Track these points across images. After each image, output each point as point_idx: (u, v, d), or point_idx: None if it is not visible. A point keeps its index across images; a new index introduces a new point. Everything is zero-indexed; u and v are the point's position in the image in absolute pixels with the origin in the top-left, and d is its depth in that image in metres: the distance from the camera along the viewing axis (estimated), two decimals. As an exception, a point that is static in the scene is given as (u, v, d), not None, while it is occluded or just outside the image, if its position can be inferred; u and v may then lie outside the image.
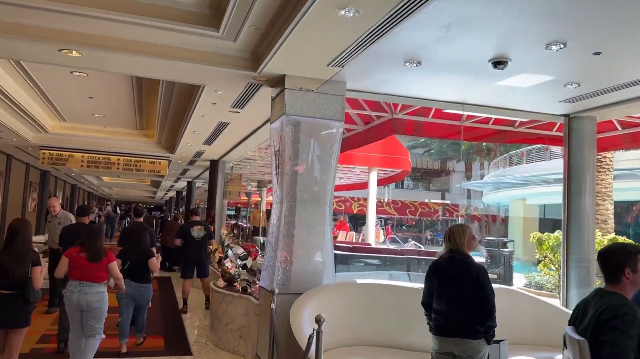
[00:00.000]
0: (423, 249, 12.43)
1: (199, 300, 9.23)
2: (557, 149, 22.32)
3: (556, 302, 6.68)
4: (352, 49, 4.34)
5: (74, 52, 4.99)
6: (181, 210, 25.75)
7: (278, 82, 5.48)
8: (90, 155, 13.62)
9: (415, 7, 3.41)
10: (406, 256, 7.38)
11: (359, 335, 4.79)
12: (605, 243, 8.09)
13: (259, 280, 6.01)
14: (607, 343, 2.58)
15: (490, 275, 3.99)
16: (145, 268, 6.17)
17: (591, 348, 2.67)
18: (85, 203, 32.75)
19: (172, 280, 12.31)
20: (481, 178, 34.51)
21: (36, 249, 4.60)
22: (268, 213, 13.04)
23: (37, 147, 12.93)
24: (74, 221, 7.39)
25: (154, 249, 6.78)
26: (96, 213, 25.34)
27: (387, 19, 3.65)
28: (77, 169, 15.50)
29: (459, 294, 3.77)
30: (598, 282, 6.79)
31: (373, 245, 10.45)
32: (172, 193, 34.27)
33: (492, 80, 5.14)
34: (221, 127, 9.09)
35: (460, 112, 6.48)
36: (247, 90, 6.18)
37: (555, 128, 7.61)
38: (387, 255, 7.75)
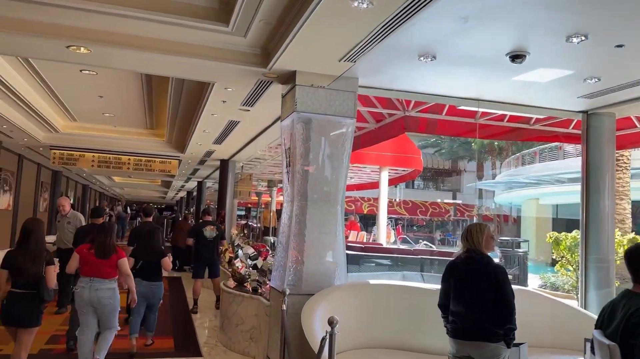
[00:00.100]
0: (435, 249, 12.25)
1: (210, 300, 9.16)
2: (571, 148, 22.05)
3: (573, 303, 6.52)
4: (364, 43, 4.22)
5: (82, 48, 4.91)
6: (192, 210, 25.78)
7: (289, 78, 5.38)
8: (100, 154, 13.62)
9: (431, -2, 3.29)
10: (419, 257, 7.23)
11: (372, 337, 4.66)
12: (625, 243, 7.89)
13: (269, 280, 5.91)
14: (639, 346, 2.45)
15: (504, 276, 3.83)
16: (157, 267, 6.18)
17: (621, 352, 2.53)
18: (97, 203, 32.91)
19: (182, 280, 12.27)
20: (493, 178, 34.20)
21: None
22: (279, 212, 12.94)
23: (47, 147, 12.95)
24: (83, 222, 7.35)
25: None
26: (107, 213, 25.41)
27: (402, 10, 3.53)
28: (87, 169, 15.52)
29: (477, 295, 3.64)
30: (617, 283, 6.62)
31: (384, 245, 10.31)
32: (182, 194, 34.33)
33: (508, 75, 5.00)
34: (231, 125, 9.01)
35: (475, 109, 6.33)
36: (257, 87, 6.08)
37: (571, 126, 7.43)
38: (399, 255, 7.61)
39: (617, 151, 8.84)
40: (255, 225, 19.23)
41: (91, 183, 28.87)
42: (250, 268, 7.04)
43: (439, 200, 39.22)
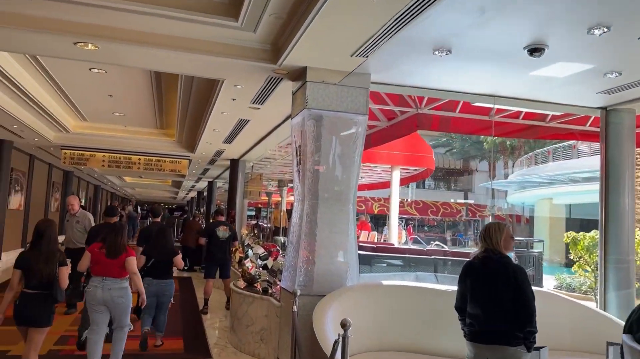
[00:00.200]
0: (448, 249, 12.08)
1: (220, 301, 9.08)
2: (585, 147, 21.74)
3: (592, 305, 6.35)
4: (377, 37, 4.10)
5: (89, 45, 4.84)
6: (202, 210, 25.77)
7: (299, 75, 5.27)
8: (111, 154, 13.64)
9: (447, -13, 3.17)
10: (432, 257, 7.09)
11: (386, 340, 4.53)
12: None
13: (279, 280, 5.81)
14: None
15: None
16: (168, 265, 6.19)
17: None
18: (108, 203, 33.04)
19: (192, 280, 12.21)
20: (505, 178, 33.85)
21: None
22: (289, 212, 12.85)
23: (58, 147, 12.98)
24: (92, 221, 7.29)
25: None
26: (118, 213, 25.47)
27: (416, 1, 3.40)
28: (98, 169, 15.55)
29: (495, 297, 3.50)
30: (638, 284, 6.43)
31: (396, 246, 10.17)
32: (193, 194, 34.38)
33: (526, 70, 4.85)
34: (241, 124, 8.92)
35: (491, 106, 6.18)
36: (267, 84, 5.98)
37: (588, 123, 7.25)
38: (412, 256, 7.47)
39: (637, 148, 8.63)
40: (265, 225, 19.17)
41: (102, 184, 29.00)
42: (261, 269, 6.94)
43: (451, 200, 38.91)
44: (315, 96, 5.02)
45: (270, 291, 6.08)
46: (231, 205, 14.02)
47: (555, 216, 24.38)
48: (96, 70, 7.58)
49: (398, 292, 4.80)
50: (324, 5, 3.60)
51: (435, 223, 42.39)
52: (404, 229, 23.34)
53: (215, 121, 8.74)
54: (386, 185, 14.13)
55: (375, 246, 8.81)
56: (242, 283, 6.73)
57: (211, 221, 10.04)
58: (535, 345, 3.45)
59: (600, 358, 4.35)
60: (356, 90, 5.10)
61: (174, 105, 9.38)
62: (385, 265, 8.00)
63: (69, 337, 6.38)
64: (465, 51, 4.38)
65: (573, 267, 8.27)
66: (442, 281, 5.82)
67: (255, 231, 15.50)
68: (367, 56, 4.57)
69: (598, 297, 6.10)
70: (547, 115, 7.16)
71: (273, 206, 20.99)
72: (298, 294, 4.51)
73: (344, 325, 3.04)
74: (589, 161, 20.19)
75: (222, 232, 8.62)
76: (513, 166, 33.20)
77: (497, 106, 6.09)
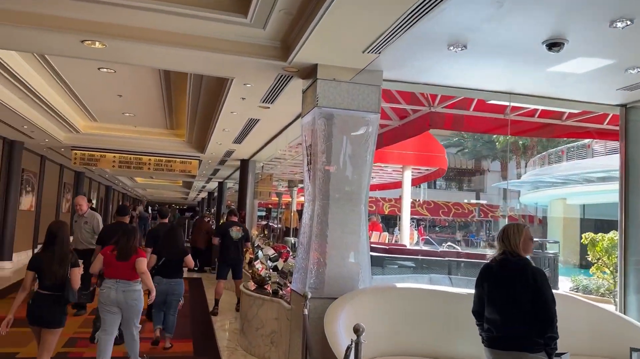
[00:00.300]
0: (462, 251, 11.88)
1: (230, 302, 8.99)
2: (599, 147, 21.40)
3: (611, 308, 6.17)
4: (390, 32, 3.97)
5: (97, 43, 4.77)
6: (212, 210, 25.75)
7: (309, 72, 5.16)
8: (121, 155, 13.64)
9: (464, -22, 3.04)
10: (446, 259, 6.93)
11: (399, 344, 4.40)
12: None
13: (290, 282, 5.70)
14: None
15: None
16: (179, 264, 6.20)
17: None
18: (120, 204, 33.18)
19: (202, 280, 12.14)
20: (518, 178, 33.47)
21: None
22: (300, 213, 12.73)
23: (69, 148, 13.00)
24: (101, 222, 7.23)
25: None
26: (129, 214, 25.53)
27: (431, -7, 3.28)
28: (109, 169, 15.57)
29: (514, 301, 3.36)
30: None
31: (408, 247, 10.02)
32: (204, 194, 34.42)
33: (543, 66, 4.70)
34: (251, 124, 8.84)
35: (506, 103, 6.02)
36: (277, 82, 5.87)
37: (606, 121, 7.05)
38: (425, 257, 7.31)
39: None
40: (275, 226, 19.10)
41: (114, 184, 29.12)
42: (271, 270, 6.84)
43: (464, 201, 38.57)
44: (326, 94, 4.90)
45: (280, 293, 5.98)
46: (241, 205, 13.95)
47: (569, 217, 24.03)
48: (105, 70, 7.54)
49: (412, 295, 4.66)
50: (334, 0, 3.49)
51: (447, 224, 42.08)
52: (415, 230, 23.15)
53: (224, 121, 8.66)
54: (397, 185, 13.97)
55: (387, 247, 8.66)
56: (252, 285, 6.64)
57: (224, 221, 9.98)
58: (557, 351, 3.31)
59: (622, 363, 4.20)
60: (368, 88, 4.97)
61: (184, 105, 9.32)
62: (396, 266, 7.86)
63: (77, 339, 6.33)
64: (481, 46, 4.24)
65: (591, 269, 8.06)
66: (456, 283, 5.68)
67: (266, 232, 15.42)
68: (379, 52, 4.44)
69: (618, 300, 5.92)
70: (564, 113, 6.97)
71: (283, 206, 20.91)
72: (309, 297, 4.39)
73: (357, 330, 2.91)
74: (603, 160, 19.87)
75: (236, 233, 8.56)
76: (526, 166, 32.84)
77: (512, 104, 5.93)
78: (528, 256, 3.58)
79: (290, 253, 7.83)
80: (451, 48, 4.23)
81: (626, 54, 4.32)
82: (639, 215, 5.72)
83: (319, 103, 4.87)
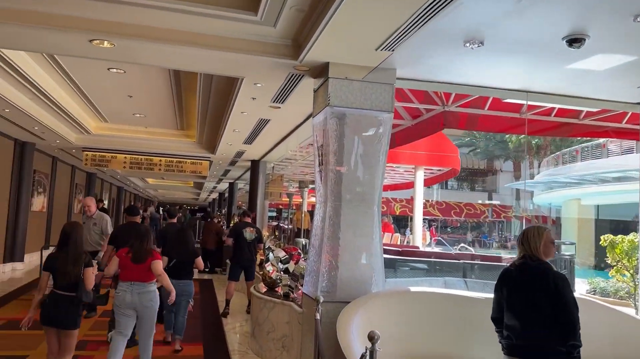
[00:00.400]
0: (475, 252, 11.69)
1: (240, 304, 8.91)
2: (614, 147, 21.08)
3: (631, 311, 5.99)
4: (404, 28, 3.85)
5: (105, 42, 4.70)
6: (223, 211, 25.76)
7: (321, 71, 5.05)
8: (132, 156, 13.65)
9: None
10: (461, 261, 6.78)
11: (415, 350, 4.27)
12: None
13: (301, 285, 5.60)
14: None
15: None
16: (189, 266, 6.18)
17: None
18: (132, 203, 33.31)
19: (213, 282, 12.08)
20: (531, 178, 33.10)
21: None
22: (311, 214, 12.60)
23: (80, 149, 13.01)
24: (109, 223, 7.18)
25: None
26: (140, 214, 25.60)
27: (448, -13, 3.16)
28: (120, 170, 15.58)
29: (533, 305, 3.22)
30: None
31: (421, 248, 9.87)
32: (214, 195, 34.47)
33: (562, 63, 4.55)
34: (261, 124, 8.76)
35: (523, 102, 5.87)
36: (287, 82, 5.78)
37: (625, 120, 6.87)
38: (440, 260, 7.17)
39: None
40: (286, 227, 19.01)
41: (125, 185, 29.22)
42: (282, 272, 6.74)
43: (479, 201, 38.25)
44: (338, 93, 4.79)
45: (291, 296, 5.88)
46: (252, 206, 13.89)
47: (584, 218, 23.70)
48: (115, 70, 7.49)
49: (427, 299, 4.53)
50: (348, -5, 3.38)
51: (458, 225, 41.77)
52: (427, 230, 22.97)
53: (235, 121, 8.59)
54: (409, 185, 13.84)
55: (400, 249, 8.52)
56: (262, 287, 6.54)
57: (235, 222, 9.92)
58: (580, 360, 3.17)
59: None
60: (381, 87, 4.86)
61: (194, 106, 9.27)
62: (408, 268, 7.70)
63: (87, 342, 6.27)
64: (499, 42, 4.11)
65: (610, 272, 7.87)
66: (472, 287, 5.53)
67: (276, 233, 15.33)
68: (392, 50, 4.32)
69: (638, 303, 5.75)
70: (581, 111, 6.81)
71: (294, 207, 20.83)
72: (321, 301, 4.29)
73: (371, 338, 2.80)
74: (619, 160, 19.55)
75: (249, 234, 8.49)
76: (539, 166, 32.48)
77: (529, 102, 5.78)
78: (548, 260, 3.44)
79: (302, 255, 7.72)
80: (467, 44, 4.10)
81: (650, 49, 4.16)
82: (661, 216, 5.55)
83: (330, 103, 4.76)
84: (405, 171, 12.50)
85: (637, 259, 6.11)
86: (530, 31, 3.89)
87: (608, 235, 7.88)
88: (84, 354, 5.83)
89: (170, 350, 6.08)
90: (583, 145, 23.09)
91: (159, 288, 5.06)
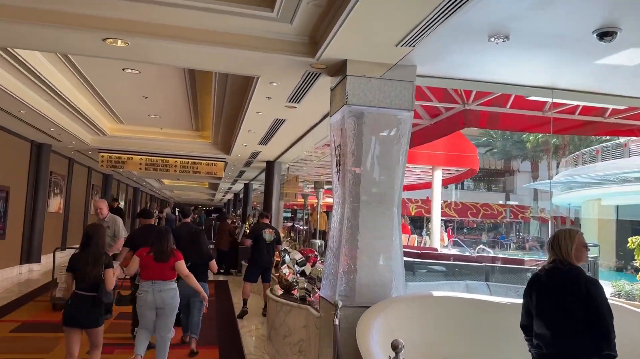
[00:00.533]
0: (495, 254, 11.43)
1: (256, 306, 8.81)
2: (636, 146, 20.63)
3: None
4: (427, 23, 3.70)
5: (119, 41, 4.62)
6: (238, 212, 25.73)
7: (338, 69, 4.92)
8: (148, 157, 13.67)
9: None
10: (483, 264, 6.57)
11: (437, 357, 4.11)
12: None
13: (318, 288, 5.46)
14: None
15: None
16: (204, 268, 6.15)
17: None
18: (147, 206, 33.49)
19: (228, 284, 12.01)
20: (549, 178, 32.59)
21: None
22: (328, 215, 12.43)
23: (96, 150, 13.04)
24: (121, 226, 7.11)
25: None
26: (156, 216, 25.69)
27: (474, -22, 3.00)
28: (135, 171, 15.62)
29: (564, 312, 3.04)
30: None
31: (440, 250, 9.67)
32: (230, 196, 34.52)
33: (591, 58, 4.36)
34: (277, 124, 8.65)
35: (548, 99, 5.67)
36: (304, 80, 5.65)
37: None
38: (461, 263, 6.97)
39: None
40: (301, 228, 18.90)
41: (141, 186, 29.38)
42: (298, 275, 6.61)
43: (499, 202, 37.80)
44: (356, 91, 4.65)
45: (308, 300, 5.75)
46: (267, 207, 13.80)
47: (604, 219, 23.24)
48: (130, 71, 7.44)
49: (450, 304, 4.36)
50: (367, -12, 3.25)
51: (475, 226, 41.33)
52: (444, 231, 22.70)
53: (250, 121, 8.50)
54: (426, 186, 13.62)
55: (419, 251, 8.34)
56: (278, 289, 6.43)
57: (251, 223, 9.82)
58: (616, 372, 2.99)
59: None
60: (401, 84, 4.70)
61: (209, 106, 9.20)
62: (426, 271, 7.50)
63: (103, 345, 6.19)
64: (525, 37, 3.94)
65: (638, 275, 7.60)
66: (495, 291, 5.35)
67: (292, 235, 15.23)
68: (413, 46, 4.17)
69: (670, 309, 5.50)
70: (606, 109, 6.59)
71: (309, 208, 20.70)
72: (340, 306, 4.15)
73: (395, 347, 2.66)
74: (640, 160, 19.17)
75: (268, 235, 8.42)
76: (557, 166, 31.98)
77: (554, 100, 5.58)
78: (580, 265, 3.26)
79: (318, 258, 7.59)
80: (492, 39, 3.93)
81: (685, 43, 3.96)
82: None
83: (348, 101, 4.63)
84: (421, 171, 12.30)
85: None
86: (559, 24, 3.72)
87: (636, 237, 7.61)
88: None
89: (187, 353, 5.99)
90: (603, 144, 22.64)
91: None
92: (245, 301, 8.40)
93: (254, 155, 12.82)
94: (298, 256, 7.17)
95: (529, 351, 3.22)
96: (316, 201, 18.42)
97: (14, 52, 6.29)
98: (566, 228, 3.37)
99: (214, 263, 6.32)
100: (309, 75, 5.43)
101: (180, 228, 7.13)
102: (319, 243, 10.98)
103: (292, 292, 6.25)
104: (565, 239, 3.18)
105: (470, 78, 5.07)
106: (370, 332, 3.85)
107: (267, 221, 8.90)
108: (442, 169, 11.05)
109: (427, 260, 7.30)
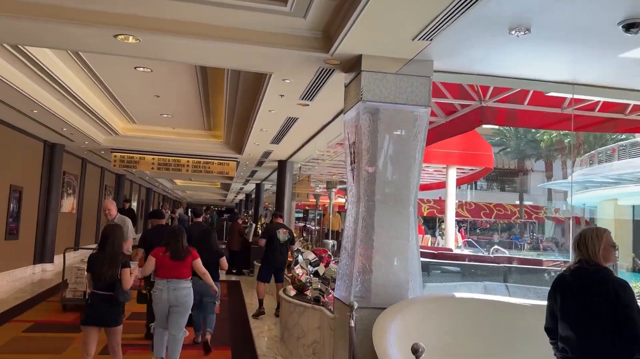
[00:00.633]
0: (508, 254, 11.25)
1: (269, 306, 8.72)
2: (653, 144, 20.25)
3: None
4: (445, 15, 3.58)
5: (130, 38, 4.56)
6: (250, 211, 25.71)
7: (353, 64, 4.81)
8: (160, 157, 13.66)
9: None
10: (501, 265, 6.42)
11: (456, 360, 4.00)
12: None
13: (332, 289, 5.36)
14: None
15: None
16: (213, 266, 6.09)
17: None
18: (160, 206, 33.62)
19: (241, 284, 11.94)
20: (564, 178, 32.17)
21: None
22: (341, 214, 12.31)
23: (108, 150, 13.05)
24: (131, 227, 7.06)
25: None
26: (169, 216, 25.75)
27: (496, -34, 2.89)
28: (148, 171, 15.63)
29: (590, 313, 2.90)
30: None
31: (454, 251, 9.53)
32: (241, 196, 34.54)
33: (615, 51, 4.22)
34: (289, 122, 8.56)
35: (566, 95, 5.52)
36: (317, 77, 5.55)
37: (675, 115, 6.45)
38: (478, 263, 6.83)
39: None
40: (313, 228, 18.81)
41: (154, 186, 29.48)
42: (312, 275, 6.52)
43: (516, 202, 37.41)
44: (371, 87, 4.54)
45: (322, 300, 5.65)
46: (279, 207, 13.73)
47: (621, 219, 22.86)
48: (142, 69, 7.40)
49: (468, 306, 4.24)
50: (384, -21, 3.14)
51: (488, 226, 40.96)
52: (458, 232, 22.48)
53: (262, 120, 8.42)
54: (439, 185, 13.46)
55: (435, 252, 8.20)
56: (291, 289, 6.34)
57: (264, 223, 9.76)
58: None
59: None
60: (417, 80, 4.59)
61: (221, 105, 9.14)
62: (440, 272, 7.36)
63: (113, 345, 6.15)
64: (547, 29, 3.81)
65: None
66: (514, 292, 5.21)
67: (304, 234, 15.15)
68: (431, 39, 4.05)
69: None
70: (628, 106, 6.42)
71: (320, 208, 20.61)
72: (355, 307, 4.04)
73: (415, 351, 2.55)
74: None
75: (283, 235, 8.36)
76: (573, 166, 31.55)
77: (575, 96, 5.42)
78: (608, 266, 3.12)
79: (332, 258, 7.49)
80: (513, 32, 3.81)
81: None
82: None
83: (363, 97, 4.52)
84: (434, 170, 12.14)
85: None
86: (582, 16, 3.58)
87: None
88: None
89: (201, 352, 5.96)
90: (620, 143, 22.26)
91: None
92: (261, 302, 8.37)
93: (266, 154, 12.75)
94: (311, 257, 7.08)
95: (554, 355, 3.09)
96: (328, 201, 18.34)
97: (25, 50, 6.26)
98: (593, 226, 3.23)
99: (224, 260, 6.33)
100: (323, 72, 5.34)
101: (192, 227, 7.13)
102: (332, 243, 10.88)
103: (306, 292, 6.16)
104: (592, 238, 3.04)
105: (489, 74, 4.94)
106: (387, 334, 3.74)
107: (280, 220, 8.83)
108: (457, 168, 10.89)
109: (443, 260, 7.16)
